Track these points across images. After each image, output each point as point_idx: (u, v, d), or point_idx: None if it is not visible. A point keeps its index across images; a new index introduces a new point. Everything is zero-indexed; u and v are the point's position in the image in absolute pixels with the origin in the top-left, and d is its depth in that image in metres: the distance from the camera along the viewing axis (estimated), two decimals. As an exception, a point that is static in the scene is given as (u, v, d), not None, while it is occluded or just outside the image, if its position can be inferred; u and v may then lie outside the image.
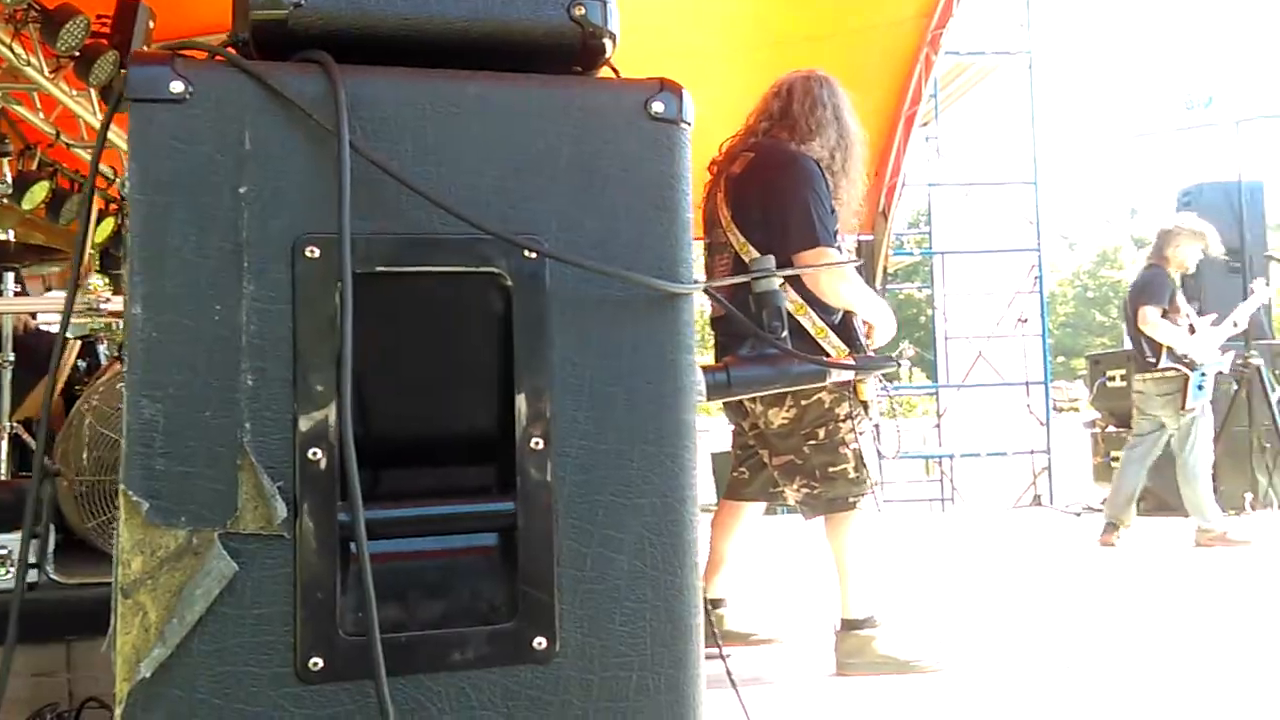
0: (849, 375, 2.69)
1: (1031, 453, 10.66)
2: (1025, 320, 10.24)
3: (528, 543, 0.99)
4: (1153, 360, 5.42)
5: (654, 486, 1.02)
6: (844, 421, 2.78)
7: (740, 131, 3.01)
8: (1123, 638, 3.19)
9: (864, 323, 2.86)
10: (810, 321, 2.73)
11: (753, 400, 2.84)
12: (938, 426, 13.57)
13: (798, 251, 2.71)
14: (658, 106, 1.04)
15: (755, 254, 2.70)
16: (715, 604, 3.08)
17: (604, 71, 1.12)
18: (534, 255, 1.00)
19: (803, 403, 2.78)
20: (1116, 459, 6.98)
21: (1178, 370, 5.34)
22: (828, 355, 2.71)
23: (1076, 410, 13.13)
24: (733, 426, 3.10)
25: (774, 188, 2.78)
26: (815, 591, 3.58)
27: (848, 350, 2.75)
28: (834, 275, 2.74)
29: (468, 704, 0.97)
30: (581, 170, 1.02)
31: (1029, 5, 10.20)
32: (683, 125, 1.05)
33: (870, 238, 9.65)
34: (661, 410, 1.03)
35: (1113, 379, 7.81)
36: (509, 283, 1.00)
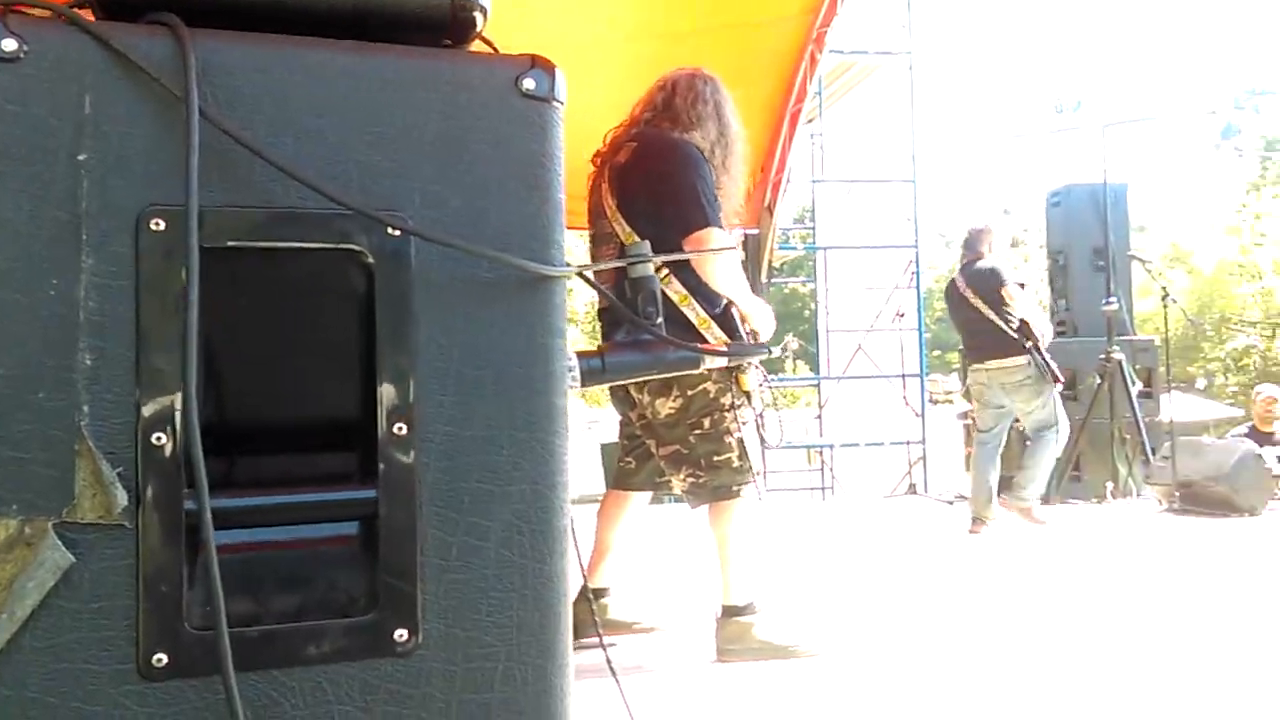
0: (733, 365, 2.75)
1: (907, 443, 10.97)
2: (903, 315, 10.53)
3: (389, 532, 0.95)
4: (1018, 342, 5.52)
5: (524, 473, 1.00)
6: (728, 411, 2.80)
7: (624, 122, 3.01)
8: (986, 620, 3.30)
9: (742, 316, 2.87)
10: (694, 312, 2.74)
11: (639, 390, 2.85)
12: (819, 417, 13.87)
13: (686, 233, 2.70)
14: (529, 83, 1.02)
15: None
16: (599, 593, 3.07)
17: (478, 46, 1.09)
18: (398, 233, 0.96)
19: (689, 393, 2.79)
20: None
21: (1030, 357, 5.51)
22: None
23: (951, 402, 13.56)
24: (620, 417, 3.10)
25: (659, 174, 2.78)
26: (697, 579, 3.60)
27: (730, 342, 2.76)
28: (721, 259, 2.75)
29: (324, 699, 0.93)
30: (449, 146, 0.99)
31: (910, 7, 10.45)
32: (555, 103, 1.03)
33: (756, 232, 9.76)
34: (531, 395, 1.01)
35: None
36: (370, 261, 0.96)
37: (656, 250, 2.66)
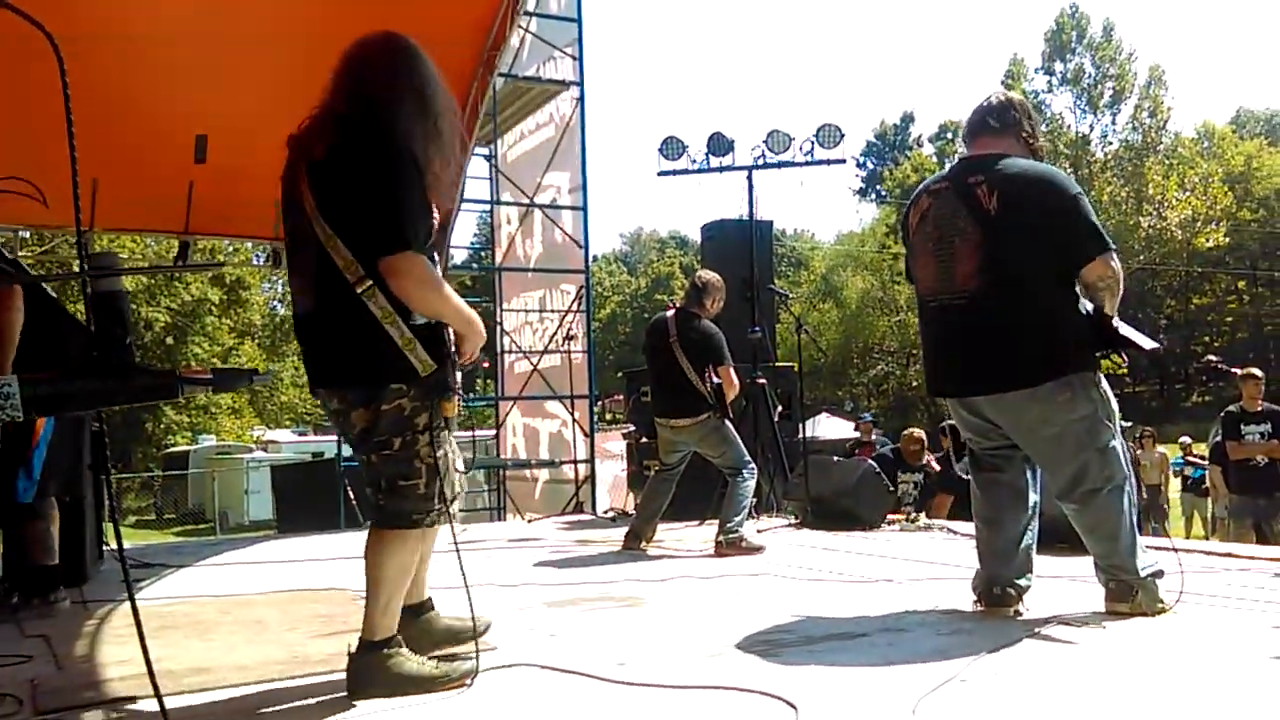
0: (438, 385, 2.64)
1: (574, 463, 11.21)
2: (574, 337, 10.76)
3: None
4: (709, 410, 5.77)
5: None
6: (422, 433, 2.66)
7: (319, 109, 2.73)
8: (648, 631, 3.41)
9: (454, 334, 2.74)
10: (398, 332, 2.56)
11: (341, 400, 2.70)
12: (496, 438, 13.91)
13: (383, 256, 2.52)
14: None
15: (346, 252, 2.53)
16: (420, 608, 3.10)
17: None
18: None
19: (381, 408, 2.63)
20: (649, 467, 7.54)
21: (712, 412, 5.80)
22: (414, 369, 2.59)
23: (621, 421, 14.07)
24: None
25: (359, 181, 2.58)
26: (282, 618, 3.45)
27: (435, 365, 2.61)
28: (418, 283, 2.57)
29: None
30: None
31: (580, 40, 10.76)
32: None
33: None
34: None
35: (645, 395, 8.43)
36: None
37: (363, 265, 2.53)
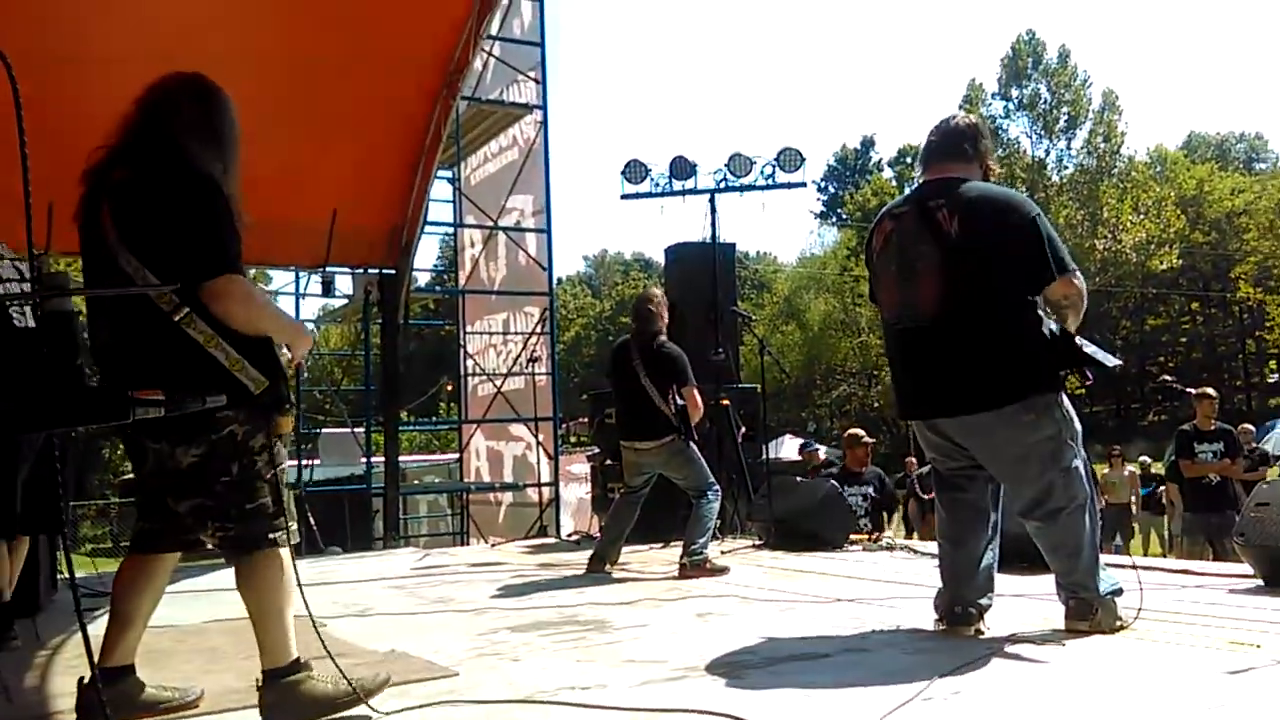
0: (266, 405, 2.59)
1: (539, 486, 11.16)
2: (538, 359, 10.74)
3: None
4: (674, 432, 5.79)
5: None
6: (259, 454, 2.62)
7: (112, 141, 2.71)
8: (603, 655, 3.40)
9: (285, 346, 2.73)
10: (224, 354, 2.52)
11: (155, 439, 2.60)
12: (460, 461, 13.83)
13: (205, 280, 2.50)
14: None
15: (152, 278, 2.50)
16: (123, 672, 2.74)
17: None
18: None
19: (212, 438, 2.56)
20: (613, 489, 7.53)
21: (677, 433, 5.81)
22: (245, 388, 2.54)
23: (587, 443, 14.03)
24: (130, 476, 2.86)
25: (171, 208, 2.55)
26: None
27: (268, 382, 2.58)
28: (242, 303, 2.56)
29: None
30: None
31: (543, 63, 10.80)
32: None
33: (394, 272, 9.61)
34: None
35: (609, 417, 8.42)
36: None
37: (177, 293, 2.46)
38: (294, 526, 2.74)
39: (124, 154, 2.67)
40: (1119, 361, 3.72)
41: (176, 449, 2.58)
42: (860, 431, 9.11)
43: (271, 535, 2.64)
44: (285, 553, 2.67)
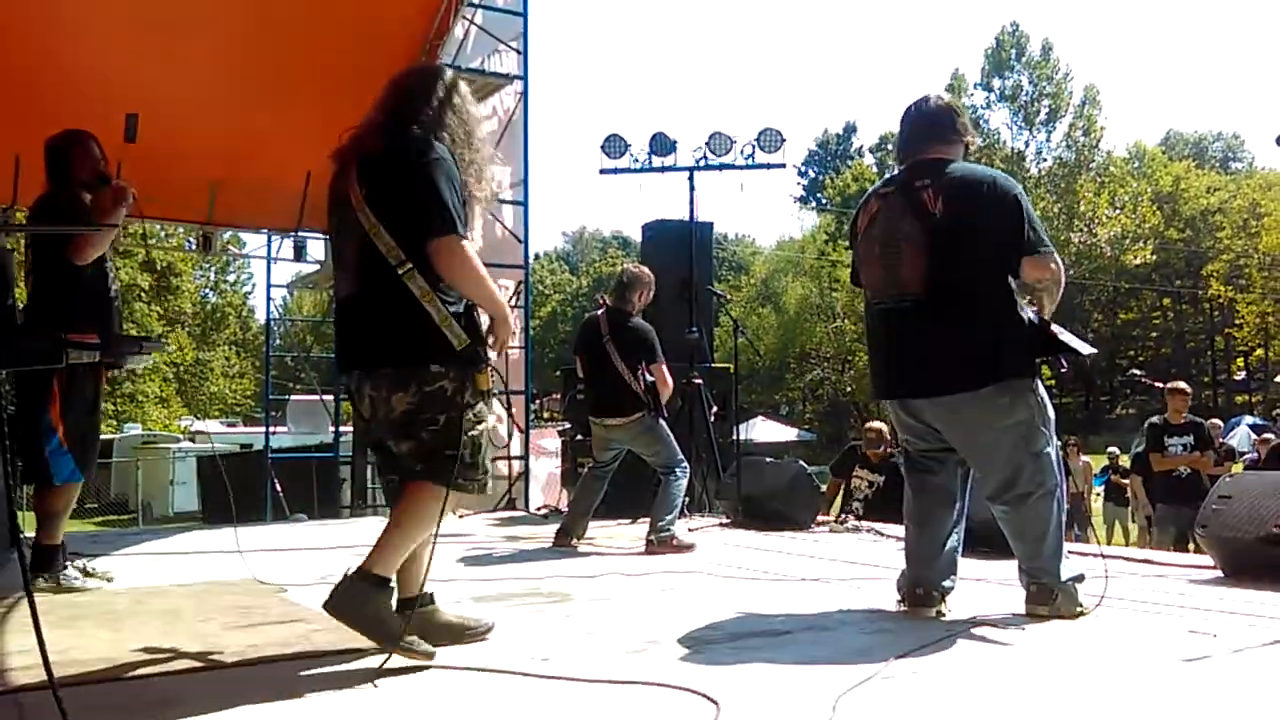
0: (471, 364, 2.83)
1: (509, 459, 11.12)
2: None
3: None
4: (644, 408, 5.76)
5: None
6: (466, 409, 2.86)
7: (366, 122, 3.06)
8: (576, 626, 3.39)
9: (487, 316, 2.94)
10: (435, 309, 2.79)
11: (374, 387, 2.89)
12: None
13: (430, 239, 2.78)
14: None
15: (388, 238, 2.79)
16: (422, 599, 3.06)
17: None
18: None
19: (425, 389, 2.83)
20: (583, 464, 7.51)
21: (646, 410, 5.78)
22: (450, 344, 2.80)
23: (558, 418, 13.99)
24: (358, 428, 3.02)
25: (407, 174, 2.83)
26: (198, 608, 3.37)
27: (469, 341, 2.82)
28: (461, 262, 2.82)
29: None
30: None
31: (525, 34, 10.69)
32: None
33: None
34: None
35: (580, 393, 8.38)
36: None
37: (404, 249, 2.77)
38: (485, 480, 2.97)
39: (381, 127, 3.00)
40: (1094, 350, 3.73)
41: (394, 396, 2.86)
42: (882, 426, 9.15)
43: (461, 481, 2.87)
44: (450, 499, 2.85)
